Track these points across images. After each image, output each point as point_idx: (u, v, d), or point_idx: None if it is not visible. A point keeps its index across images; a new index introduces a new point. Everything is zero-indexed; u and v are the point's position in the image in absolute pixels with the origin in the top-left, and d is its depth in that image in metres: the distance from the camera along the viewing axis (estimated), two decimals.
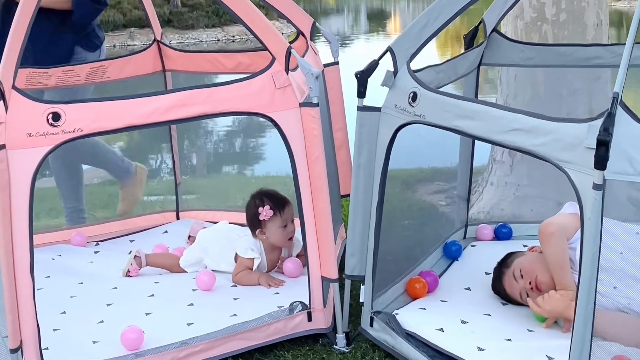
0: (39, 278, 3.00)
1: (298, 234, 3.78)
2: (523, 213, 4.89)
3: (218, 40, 27.37)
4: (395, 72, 3.23)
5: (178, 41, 26.68)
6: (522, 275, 3.46)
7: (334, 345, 3.47)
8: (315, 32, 4.36)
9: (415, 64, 3.33)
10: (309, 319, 3.46)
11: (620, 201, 3.57)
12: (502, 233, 4.36)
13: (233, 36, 27.50)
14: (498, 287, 3.59)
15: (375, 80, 3.30)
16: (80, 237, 4.67)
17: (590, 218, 2.46)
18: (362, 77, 3.25)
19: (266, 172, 8.99)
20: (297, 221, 3.70)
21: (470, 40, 3.99)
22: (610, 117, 2.40)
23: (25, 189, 2.89)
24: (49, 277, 4.08)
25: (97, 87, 4.85)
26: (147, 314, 3.60)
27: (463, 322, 3.36)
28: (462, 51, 3.98)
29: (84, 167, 5.21)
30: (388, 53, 3.23)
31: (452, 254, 4.08)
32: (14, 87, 2.92)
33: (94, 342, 3.36)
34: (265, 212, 3.86)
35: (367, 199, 3.34)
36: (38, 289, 2.99)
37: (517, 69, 4.76)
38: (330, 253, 3.38)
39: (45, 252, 4.35)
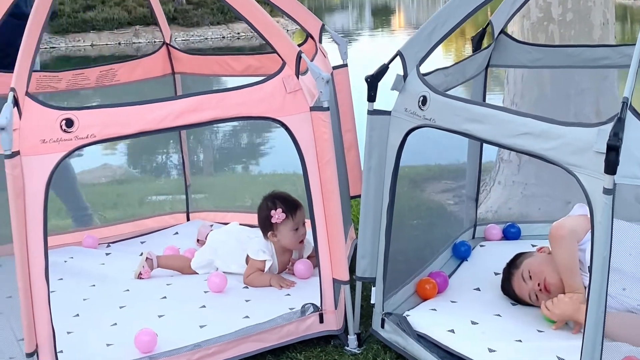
0: (52, 280, 3.02)
1: (309, 236, 3.81)
2: (531, 212, 4.91)
3: (223, 37, 27.37)
4: (405, 76, 3.26)
5: (183, 38, 26.69)
6: (530, 277, 3.49)
7: (346, 347, 3.50)
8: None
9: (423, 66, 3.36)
10: (321, 321, 3.50)
11: (628, 201, 3.60)
12: (510, 233, 4.39)
13: (238, 33, 27.50)
14: (507, 288, 3.61)
15: (384, 83, 3.32)
16: (91, 239, 4.71)
17: (600, 222, 2.48)
18: (372, 82, 3.27)
19: (273, 170, 9.01)
20: (307, 222, 3.73)
21: (478, 42, 4.01)
22: (620, 122, 2.42)
23: (40, 194, 2.92)
24: (61, 279, 4.12)
25: (108, 90, 4.86)
26: (159, 316, 3.64)
27: (473, 322, 3.39)
28: (468, 51, 4.00)
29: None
30: (398, 57, 3.25)
31: (461, 254, 4.11)
32: (27, 93, 2.95)
33: (108, 345, 3.39)
34: (277, 215, 3.89)
35: (378, 202, 3.36)
36: (51, 292, 3.02)
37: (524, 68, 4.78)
38: (342, 255, 3.41)
39: (57, 254, 4.38)
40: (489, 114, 2.90)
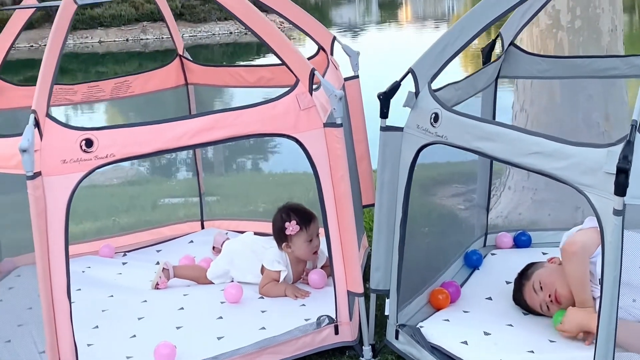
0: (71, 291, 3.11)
1: (323, 246, 3.87)
2: (541, 217, 4.96)
3: (231, 33, 27.40)
4: (416, 93, 3.31)
5: (190, 34, 26.74)
6: (541, 288, 3.54)
7: (361, 358, 3.57)
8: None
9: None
10: (336, 332, 3.56)
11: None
12: (521, 241, 4.45)
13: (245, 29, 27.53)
14: (519, 299, 3.67)
15: (396, 99, 3.38)
16: (108, 248, 4.78)
17: (611, 242, 2.54)
18: (385, 99, 3.33)
19: (283, 169, 9.05)
20: (321, 230, 3.78)
21: (487, 54, 4.06)
22: (629, 145, 2.48)
23: (61, 214, 2.99)
24: (80, 289, 4.17)
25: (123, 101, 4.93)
26: (177, 328, 3.71)
27: (486, 333, 3.44)
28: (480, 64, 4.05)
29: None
30: (409, 75, 3.30)
31: (473, 262, 4.17)
32: (47, 115, 3.02)
33: (128, 358, 3.46)
34: (291, 227, 3.95)
35: (391, 216, 3.42)
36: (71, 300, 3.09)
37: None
38: (356, 268, 3.47)
39: (75, 264, 4.38)
40: (501, 132, 2.96)
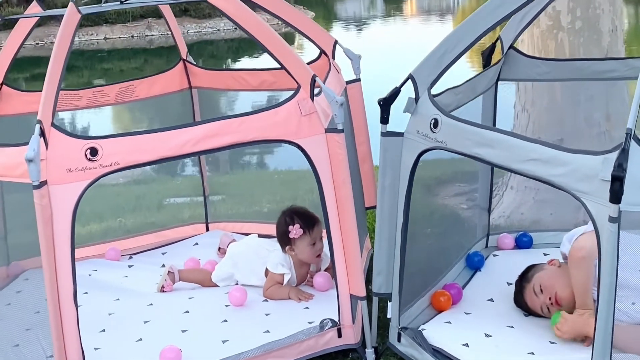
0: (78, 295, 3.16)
1: (326, 249, 3.91)
2: (543, 217, 4.99)
3: (235, 29, 27.35)
4: (416, 99, 3.35)
5: (196, 30, 26.79)
6: (542, 290, 3.57)
7: None
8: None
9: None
10: (339, 335, 3.61)
11: None
12: (523, 242, 4.48)
13: None
14: (520, 301, 3.70)
15: (396, 105, 3.42)
16: (114, 251, 4.83)
17: (607, 249, 2.58)
18: (385, 105, 3.36)
19: (288, 167, 9.08)
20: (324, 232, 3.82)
21: (487, 57, 4.10)
22: (624, 153, 2.51)
23: (67, 222, 3.04)
24: (86, 293, 4.21)
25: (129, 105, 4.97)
26: (183, 331, 3.75)
27: (487, 335, 3.48)
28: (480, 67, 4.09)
29: None
30: (409, 80, 3.34)
31: (474, 264, 4.21)
32: (53, 124, 3.06)
33: None
34: (295, 230, 3.99)
35: (392, 220, 3.46)
36: (78, 306, 3.13)
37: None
38: (358, 272, 3.52)
39: (81, 268, 4.40)
40: (500, 139, 2.99)
